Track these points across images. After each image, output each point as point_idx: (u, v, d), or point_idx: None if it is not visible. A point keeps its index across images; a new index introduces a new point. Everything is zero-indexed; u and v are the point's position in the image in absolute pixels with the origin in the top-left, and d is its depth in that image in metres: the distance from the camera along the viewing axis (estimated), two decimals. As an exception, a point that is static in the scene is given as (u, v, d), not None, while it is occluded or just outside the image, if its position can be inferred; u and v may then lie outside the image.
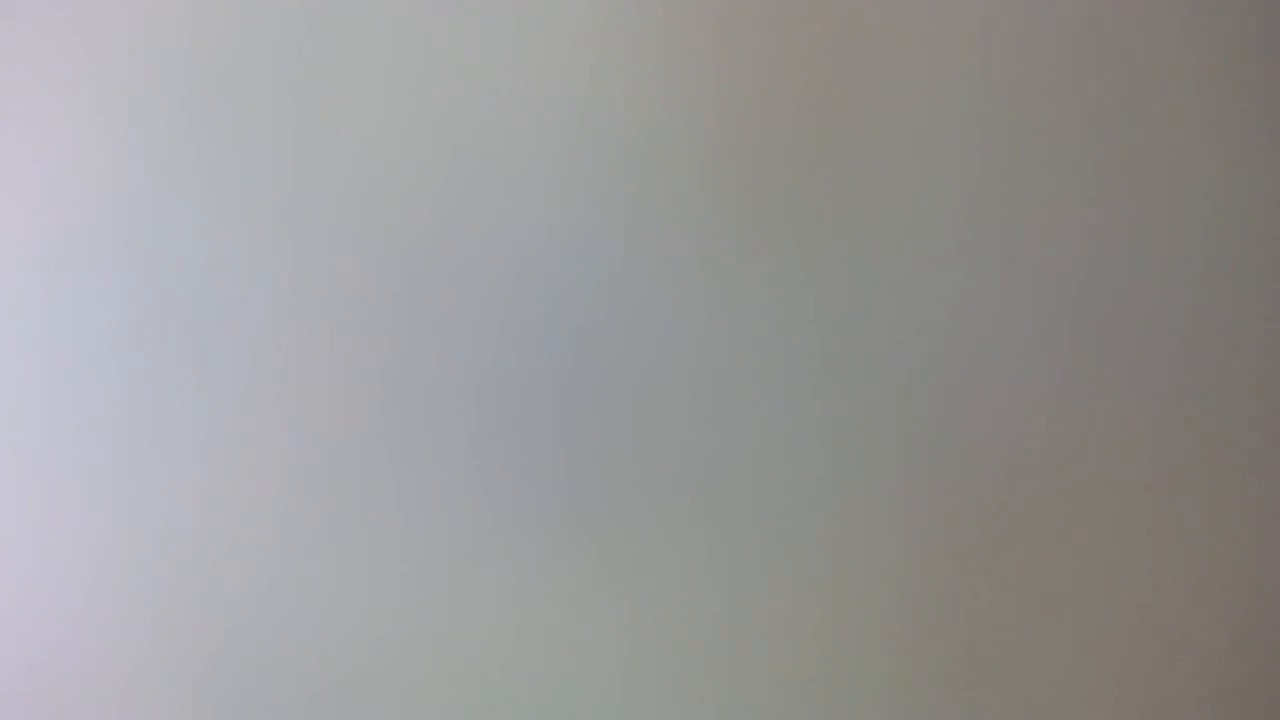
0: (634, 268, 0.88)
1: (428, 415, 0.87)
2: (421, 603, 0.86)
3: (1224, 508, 0.89)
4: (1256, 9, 0.91)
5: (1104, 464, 0.89)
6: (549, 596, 0.87)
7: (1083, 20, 0.91)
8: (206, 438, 0.86)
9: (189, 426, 0.86)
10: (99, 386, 0.86)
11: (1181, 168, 0.90)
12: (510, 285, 0.87)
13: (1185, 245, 0.90)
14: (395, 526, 0.86)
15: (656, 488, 0.87)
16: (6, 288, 0.87)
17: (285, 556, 0.86)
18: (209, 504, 0.86)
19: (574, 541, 0.87)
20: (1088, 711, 0.88)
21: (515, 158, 0.88)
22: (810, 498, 0.88)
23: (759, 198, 0.88)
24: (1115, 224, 0.90)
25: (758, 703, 0.87)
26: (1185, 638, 0.89)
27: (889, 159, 0.89)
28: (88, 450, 0.86)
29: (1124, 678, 0.89)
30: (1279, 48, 0.91)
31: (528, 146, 0.88)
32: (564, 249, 0.88)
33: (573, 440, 0.87)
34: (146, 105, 0.87)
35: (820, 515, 0.88)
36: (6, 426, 0.86)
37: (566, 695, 0.87)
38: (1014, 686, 0.88)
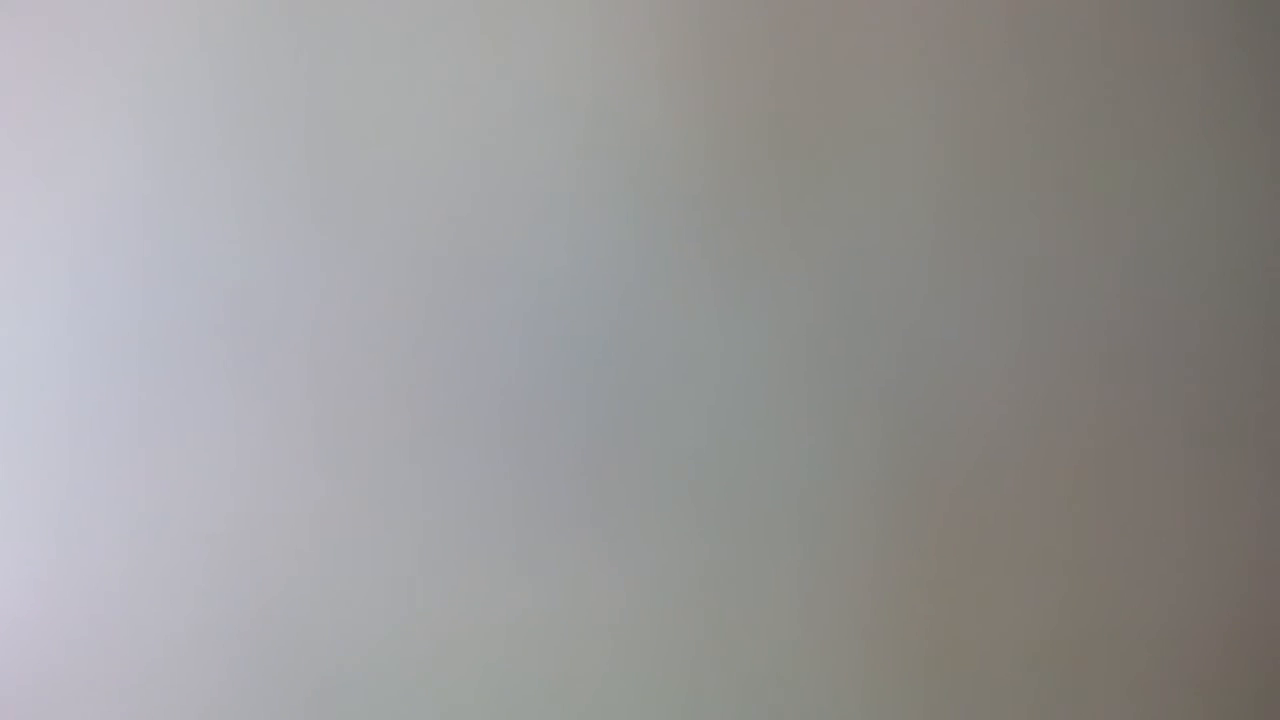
0: (641, 275, 0.88)
1: (450, 417, 0.87)
2: (445, 597, 0.86)
3: (1208, 505, 0.89)
4: (1251, 7, 0.91)
5: (1086, 463, 0.89)
6: (561, 590, 0.87)
7: (1073, 23, 0.90)
8: (234, 439, 0.86)
9: (218, 428, 0.86)
10: (129, 388, 0.86)
11: (1166, 168, 0.90)
12: (525, 292, 0.88)
13: (1170, 244, 0.90)
14: (419, 525, 0.87)
15: (662, 486, 0.88)
16: (38, 291, 0.86)
17: (311, 555, 0.86)
18: (236, 504, 0.86)
19: (586, 538, 0.87)
20: (1070, 711, 0.89)
21: (518, 166, 0.88)
22: (810, 496, 0.88)
23: (756, 205, 0.88)
24: (1100, 224, 0.90)
25: (754, 696, 0.88)
26: (1166, 636, 0.89)
27: (882, 165, 0.89)
28: (118, 450, 0.86)
29: (1105, 677, 0.89)
30: (1275, 45, 0.91)
31: (530, 155, 0.88)
32: (576, 257, 0.88)
33: (583, 441, 0.87)
34: (176, 110, 0.87)
35: (818, 512, 0.88)
36: (38, 427, 0.86)
37: (576, 685, 0.87)
38: (996, 683, 0.88)
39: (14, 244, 0.87)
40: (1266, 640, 0.90)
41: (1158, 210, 0.90)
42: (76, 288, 0.87)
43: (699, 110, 0.89)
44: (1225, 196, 0.91)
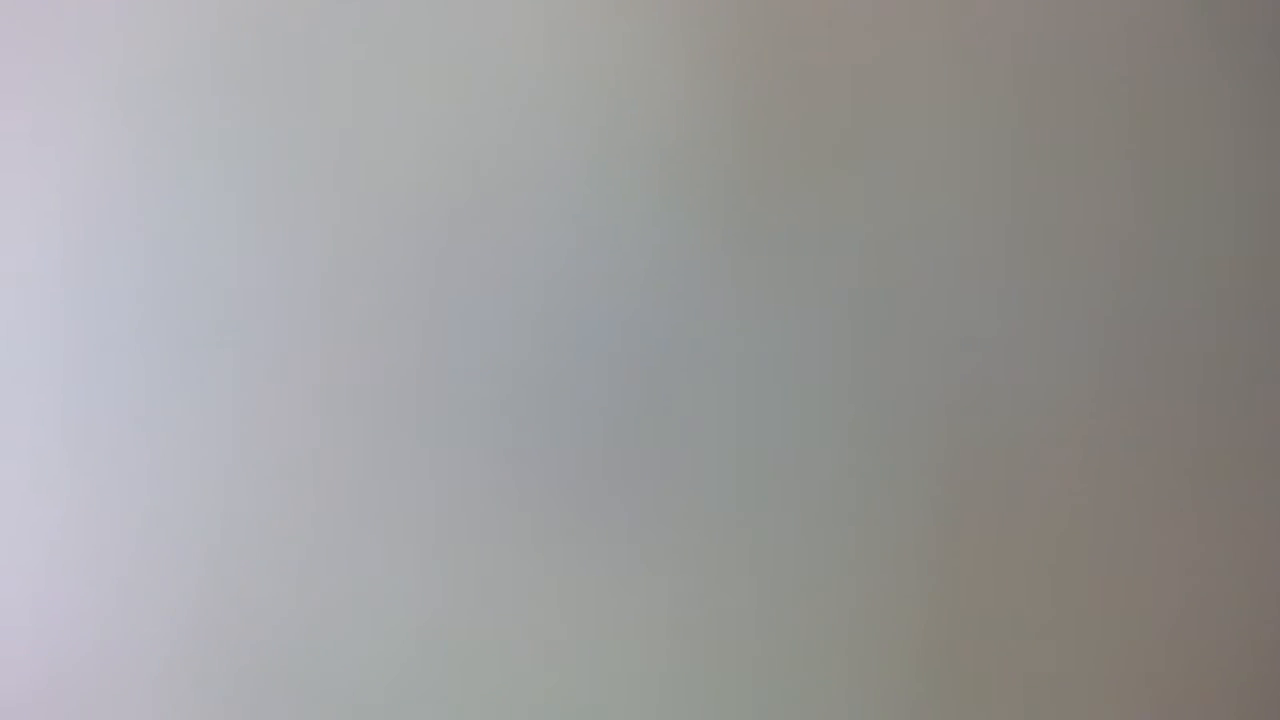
0: (654, 268, 0.88)
1: (451, 412, 0.87)
2: (445, 598, 0.87)
3: (1254, 510, 0.89)
4: (1252, 8, 0.92)
5: (1129, 466, 0.89)
6: (572, 591, 0.87)
7: (1095, 21, 0.91)
8: (230, 439, 0.87)
9: (213, 428, 0.87)
10: (120, 383, 0.87)
11: (1191, 167, 0.90)
12: (533, 283, 0.88)
13: (1198, 246, 0.90)
14: (419, 523, 0.87)
15: (681, 489, 0.87)
16: (28, 284, 0.87)
17: (308, 552, 0.86)
18: (231, 501, 0.86)
19: (597, 537, 0.87)
20: (1113, 714, 0.88)
21: (538, 157, 0.88)
22: (833, 495, 0.88)
23: (778, 200, 0.89)
24: (1131, 224, 0.90)
25: (774, 698, 0.87)
26: (1214, 642, 0.89)
27: (909, 161, 0.89)
28: (109, 446, 0.86)
29: (1149, 682, 0.89)
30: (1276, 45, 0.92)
31: (551, 147, 0.88)
32: (585, 249, 0.88)
33: (596, 438, 0.87)
34: (168, 102, 0.88)
35: (846, 513, 0.88)
36: (28, 423, 0.86)
37: (584, 687, 0.87)
38: (1036, 687, 0.88)
39: (6, 242, 0.87)
40: (1274, 641, 0.90)
41: (1200, 212, 0.90)
42: (70, 286, 0.87)
43: (724, 100, 0.89)
44: (1266, 193, 0.91)
